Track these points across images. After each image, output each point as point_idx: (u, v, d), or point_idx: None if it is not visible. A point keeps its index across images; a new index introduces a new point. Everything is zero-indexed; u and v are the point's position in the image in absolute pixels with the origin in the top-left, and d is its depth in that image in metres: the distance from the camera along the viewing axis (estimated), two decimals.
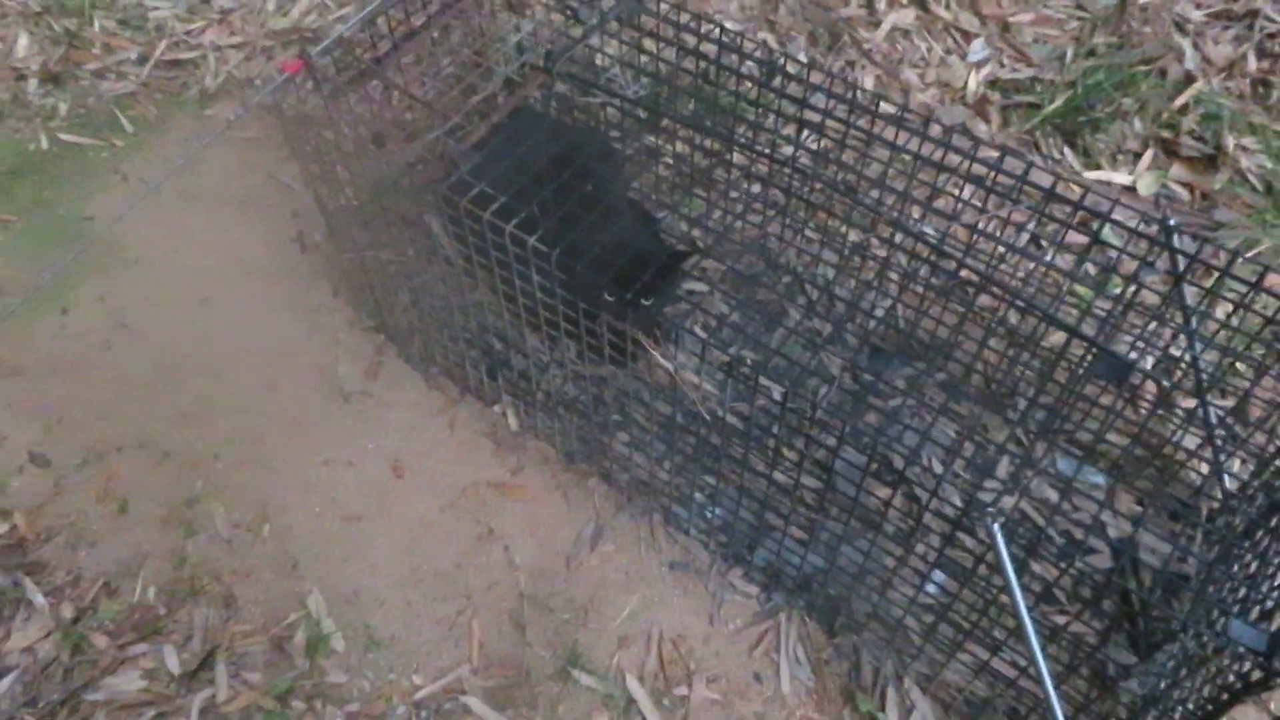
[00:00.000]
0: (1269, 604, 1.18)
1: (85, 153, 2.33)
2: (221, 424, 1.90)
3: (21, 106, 2.41)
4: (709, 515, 1.73)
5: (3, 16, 2.58)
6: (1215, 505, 1.71)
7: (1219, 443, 1.64)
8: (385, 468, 1.85)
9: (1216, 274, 1.42)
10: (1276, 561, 1.25)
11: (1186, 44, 2.46)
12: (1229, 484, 1.68)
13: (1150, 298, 1.86)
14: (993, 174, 1.52)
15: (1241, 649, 1.10)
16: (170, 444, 1.88)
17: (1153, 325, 1.54)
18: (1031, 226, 1.67)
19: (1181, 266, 1.45)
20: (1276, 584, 1.20)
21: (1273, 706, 1.57)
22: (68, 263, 2.02)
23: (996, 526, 1.16)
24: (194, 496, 1.82)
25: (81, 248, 2.06)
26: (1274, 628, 1.09)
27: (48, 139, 2.35)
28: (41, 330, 2.03)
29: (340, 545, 1.77)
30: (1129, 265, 1.59)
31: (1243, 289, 1.39)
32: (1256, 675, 1.08)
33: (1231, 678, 1.17)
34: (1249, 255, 2.06)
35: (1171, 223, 1.45)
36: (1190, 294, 1.52)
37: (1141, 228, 1.45)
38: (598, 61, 2.01)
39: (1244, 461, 1.72)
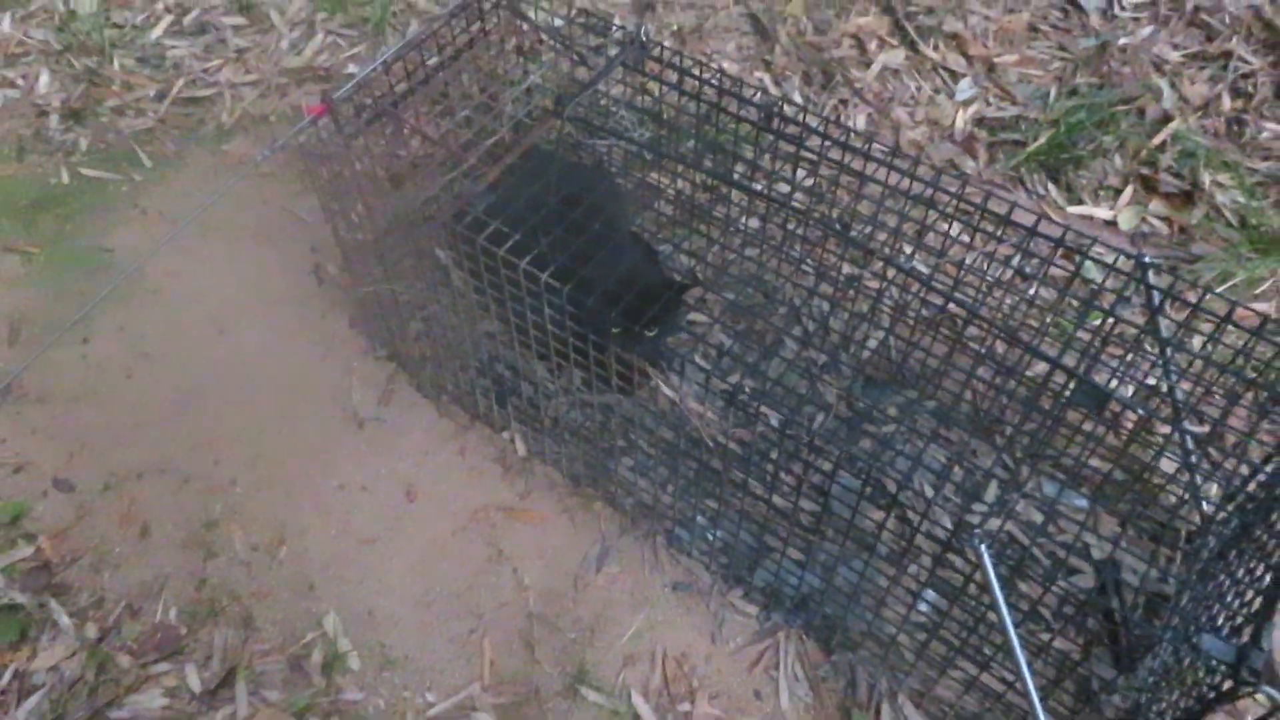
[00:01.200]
0: (1239, 619, 1.26)
1: (105, 187, 2.41)
2: (240, 450, 1.97)
3: (43, 142, 2.49)
4: (710, 537, 1.80)
5: (25, 55, 2.67)
6: (1194, 528, 1.79)
7: (1195, 468, 1.72)
8: (398, 492, 1.92)
9: (1190, 308, 1.51)
10: (1246, 580, 1.33)
11: (1164, 84, 2.56)
12: (1206, 507, 1.76)
13: (1131, 330, 1.95)
14: (979, 213, 1.61)
15: (1213, 661, 1.17)
16: (190, 469, 1.95)
17: (1130, 356, 1.62)
18: (1016, 262, 1.76)
19: (1156, 301, 1.54)
20: (1246, 600, 1.28)
21: (1250, 719, 1.64)
22: (100, 300, 2.09)
23: (984, 546, 1.24)
24: (213, 520, 1.88)
25: (112, 283, 2.13)
26: (1243, 641, 1.17)
27: (69, 173, 2.43)
28: (64, 359, 2.10)
29: (355, 567, 1.83)
30: (1110, 298, 1.68)
31: (1216, 321, 1.48)
32: (1227, 685, 1.15)
33: (1206, 689, 1.24)
34: (1224, 288, 2.16)
35: (1146, 259, 1.54)
36: (1167, 326, 1.61)
37: (1121, 262, 1.54)
38: (603, 104, 2.10)
39: (1220, 486, 1.80)
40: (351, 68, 2.62)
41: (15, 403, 2.03)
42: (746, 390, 1.95)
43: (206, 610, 1.77)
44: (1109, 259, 1.56)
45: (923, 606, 1.71)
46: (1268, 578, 1.25)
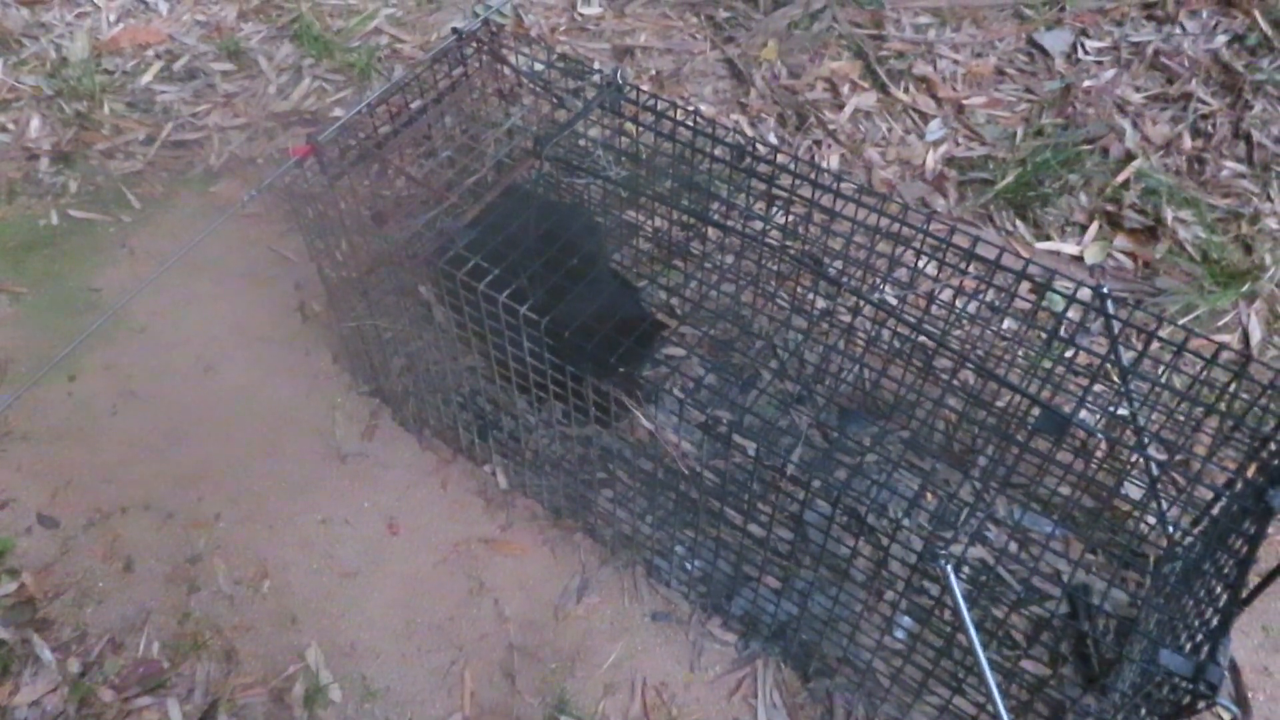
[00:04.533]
0: (1199, 637, 1.29)
1: (94, 228, 2.45)
2: (223, 485, 1.99)
3: (33, 184, 2.53)
4: (688, 567, 1.83)
5: (16, 100, 2.72)
6: (1161, 552, 1.83)
7: (1159, 493, 1.76)
8: (380, 526, 1.94)
9: (1148, 336, 1.56)
10: (1207, 599, 1.36)
11: (1127, 124, 2.65)
12: (1171, 531, 1.80)
13: (1095, 359, 2.00)
14: (945, 247, 1.67)
15: (1174, 677, 1.21)
16: (174, 505, 1.96)
17: (1094, 384, 1.67)
18: (983, 294, 1.82)
19: (1116, 330, 1.59)
20: (1205, 619, 1.31)
21: None
22: (85, 336, 2.12)
23: (950, 567, 1.27)
24: (196, 555, 1.90)
25: (97, 321, 2.16)
26: (1201, 657, 1.20)
27: (58, 215, 2.47)
28: (50, 397, 2.12)
29: (337, 600, 1.85)
30: (1074, 329, 1.74)
31: (1175, 349, 1.53)
32: (1186, 699, 1.18)
33: (1169, 705, 1.27)
34: (1187, 320, 2.22)
35: (1105, 290, 1.59)
36: (1127, 355, 1.66)
37: (1082, 293, 1.60)
38: (582, 144, 2.16)
39: (1184, 510, 1.84)
40: (337, 111, 2.68)
41: (0, 440, 2.05)
42: (722, 421, 1.98)
43: (189, 644, 1.78)
44: (1072, 291, 1.61)
45: (899, 633, 1.74)
46: (1224, 596, 1.29)
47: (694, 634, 1.80)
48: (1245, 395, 1.56)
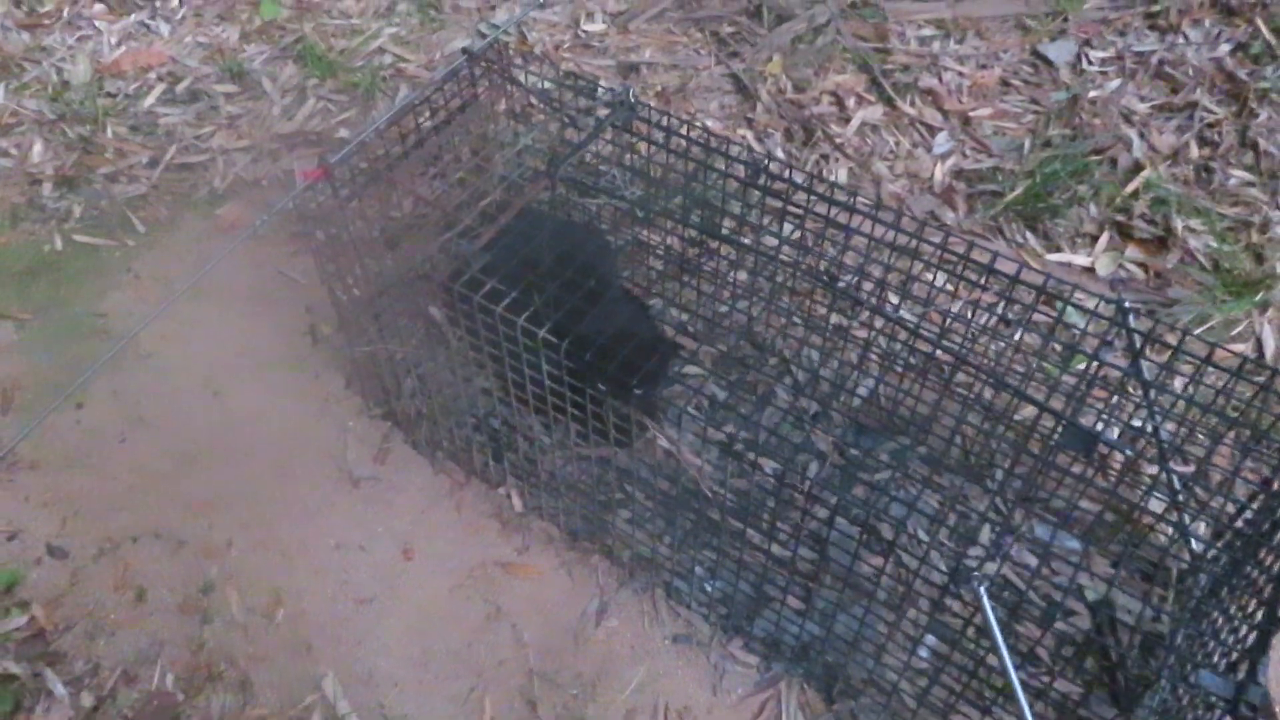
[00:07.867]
0: (1234, 655, 1.28)
1: (98, 253, 2.43)
2: (235, 512, 1.97)
3: (37, 209, 2.51)
4: (709, 588, 1.81)
5: (19, 124, 2.70)
6: (1184, 566, 1.81)
7: (1183, 507, 1.75)
8: (395, 550, 1.92)
9: (1171, 350, 1.55)
10: (1239, 616, 1.35)
11: (1134, 134, 2.65)
12: (1195, 545, 1.78)
13: (1115, 373, 1.99)
14: (961, 262, 1.65)
15: (1211, 697, 1.19)
16: (185, 533, 1.94)
17: (1114, 398, 1.66)
18: (1001, 309, 1.81)
19: (1137, 344, 1.58)
20: (1240, 636, 1.30)
21: None
22: (98, 366, 2.10)
23: (983, 590, 1.25)
24: (209, 583, 1.87)
25: (108, 350, 2.14)
26: (1239, 676, 1.18)
27: (62, 240, 2.45)
28: (58, 425, 2.10)
29: (353, 627, 1.82)
30: (1093, 343, 1.72)
31: (1197, 363, 1.52)
32: None
33: None
34: (1200, 330, 2.21)
35: (1126, 304, 1.58)
36: (1149, 368, 1.65)
37: (1101, 307, 1.59)
38: (593, 163, 2.15)
39: (1208, 524, 1.83)
40: (343, 132, 2.67)
41: (8, 469, 2.03)
42: (741, 440, 1.97)
43: (203, 675, 1.76)
44: (1090, 305, 1.60)
45: (923, 652, 1.72)
46: (1260, 613, 1.28)
47: (715, 656, 1.78)
48: (1263, 407, 1.54)
